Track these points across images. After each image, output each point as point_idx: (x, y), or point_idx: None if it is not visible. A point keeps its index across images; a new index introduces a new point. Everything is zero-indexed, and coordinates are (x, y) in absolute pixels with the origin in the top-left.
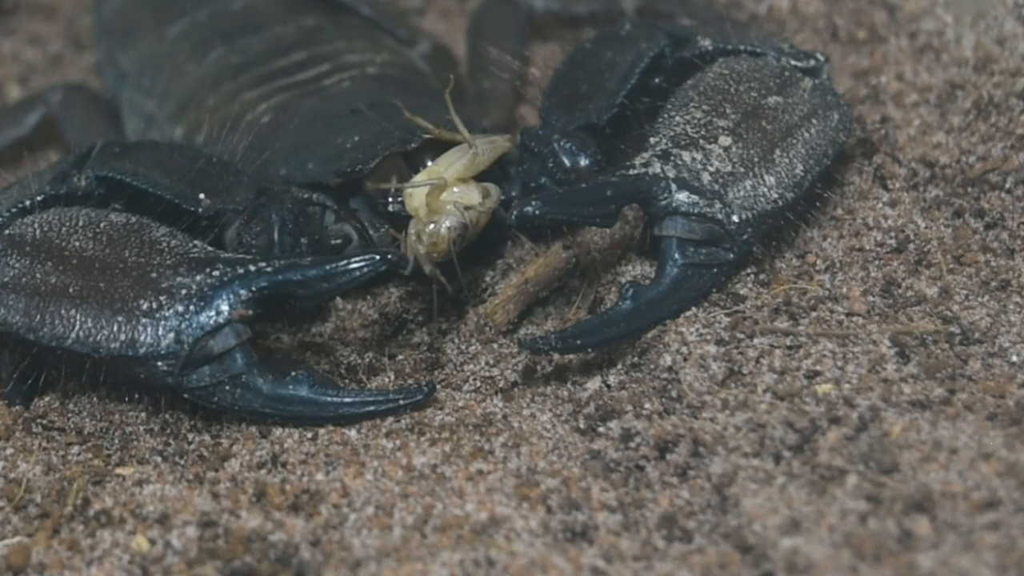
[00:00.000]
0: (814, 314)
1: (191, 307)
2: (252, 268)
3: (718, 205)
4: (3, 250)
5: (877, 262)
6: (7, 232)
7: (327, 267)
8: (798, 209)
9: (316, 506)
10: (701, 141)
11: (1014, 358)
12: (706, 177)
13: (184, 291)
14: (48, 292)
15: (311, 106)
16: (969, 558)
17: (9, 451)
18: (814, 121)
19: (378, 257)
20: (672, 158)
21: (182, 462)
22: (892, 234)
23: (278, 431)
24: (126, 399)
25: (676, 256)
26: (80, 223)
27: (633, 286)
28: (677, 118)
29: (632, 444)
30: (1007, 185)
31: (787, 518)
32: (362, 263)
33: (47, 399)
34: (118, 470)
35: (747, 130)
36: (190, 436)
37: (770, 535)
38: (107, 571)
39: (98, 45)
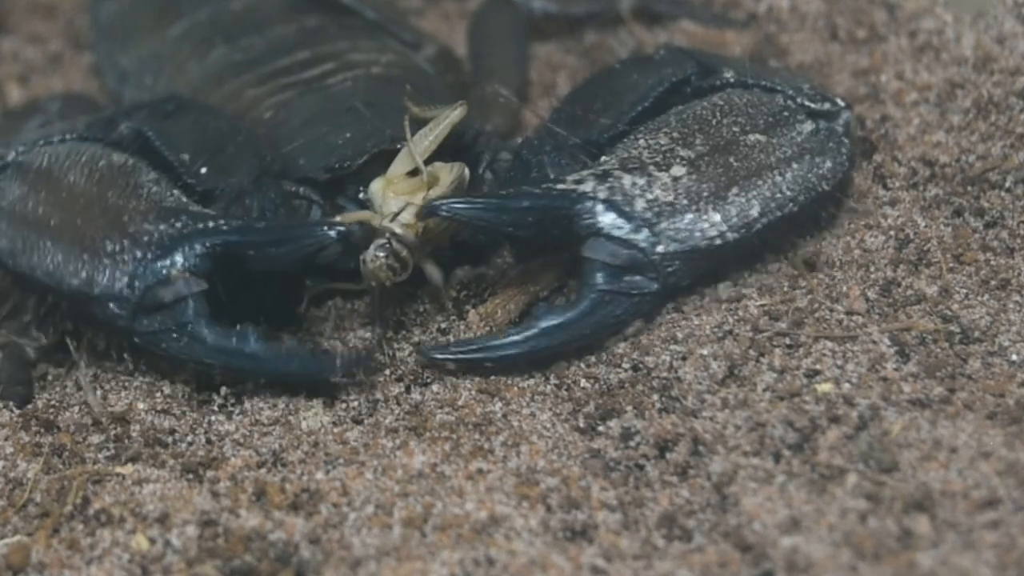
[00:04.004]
0: (814, 313)
1: (148, 255)
2: (211, 224)
3: (644, 233)
4: (10, 175)
5: (877, 261)
6: (20, 159)
7: (279, 232)
8: (744, 250)
9: (316, 505)
10: (651, 167)
11: (1014, 357)
12: (640, 204)
13: (146, 238)
14: (33, 221)
15: (311, 103)
16: (969, 557)
17: (9, 451)
18: (795, 165)
19: (327, 230)
20: (610, 179)
21: (182, 461)
22: (892, 233)
23: (278, 430)
24: (126, 398)
25: (595, 280)
26: (83, 158)
27: (545, 307)
28: (640, 140)
29: (632, 443)
30: (1007, 184)
31: (787, 517)
32: (312, 233)
33: (46, 398)
34: (118, 469)
35: (708, 163)
36: (190, 435)
37: (770, 534)
38: (107, 570)
39: (96, 47)
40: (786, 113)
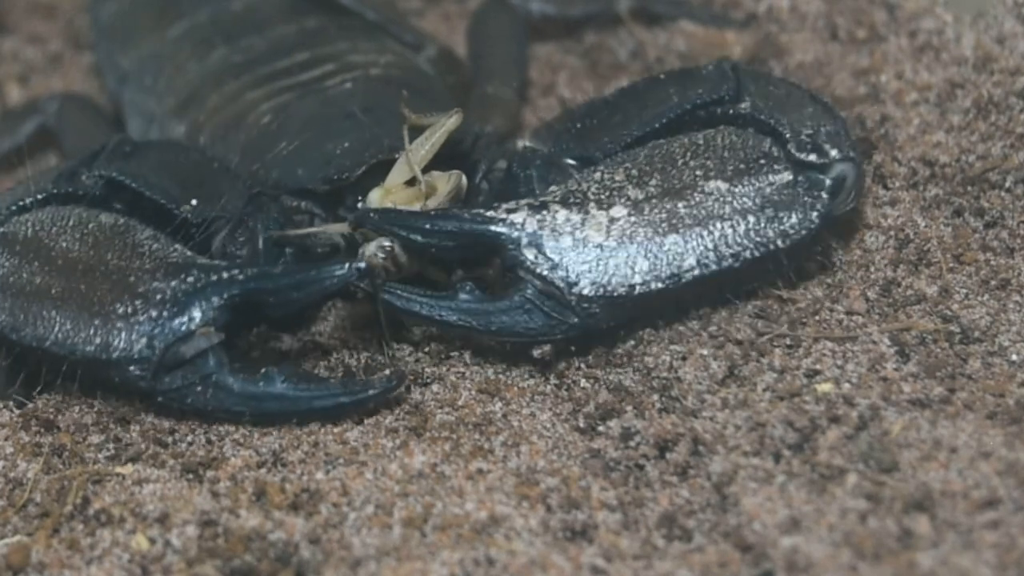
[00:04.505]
0: (813, 313)
1: (164, 313)
2: (225, 276)
3: (562, 273)
4: None
5: (877, 261)
6: (1, 230)
7: (297, 277)
8: (671, 300)
9: (316, 505)
10: (592, 204)
11: (1014, 357)
12: (566, 241)
13: (159, 296)
14: (32, 292)
15: (309, 108)
16: (969, 557)
17: (9, 451)
18: (750, 218)
19: (348, 267)
20: (544, 212)
21: (182, 461)
22: (892, 233)
23: (278, 430)
24: (126, 398)
25: (522, 287)
26: (70, 223)
27: (472, 285)
28: (596, 174)
29: (632, 443)
30: (1007, 184)
31: (787, 517)
32: (332, 274)
33: (46, 398)
34: (118, 469)
35: (654, 207)
36: (190, 435)
37: (770, 534)
38: (107, 570)
39: (97, 48)
40: (763, 161)
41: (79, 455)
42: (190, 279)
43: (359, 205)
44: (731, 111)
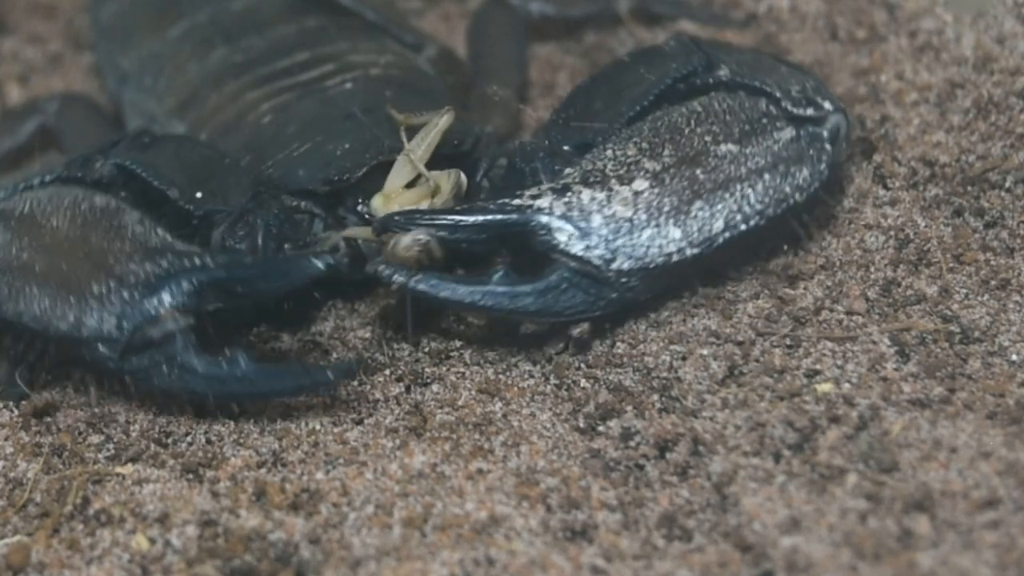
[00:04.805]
0: (814, 313)
1: (136, 295)
2: (197, 262)
3: (599, 251)
4: None
5: (877, 261)
6: (1, 206)
7: (265, 267)
8: (707, 264)
9: (316, 505)
10: (613, 181)
11: (1014, 357)
12: (597, 220)
13: (132, 278)
14: (19, 268)
15: (310, 108)
16: (969, 557)
17: (9, 451)
18: (766, 176)
19: (313, 261)
20: (569, 194)
21: (182, 461)
22: (892, 233)
23: (278, 430)
24: (125, 398)
25: (559, 268)
26: (65, 202)
27: (506, 269)
28: (608, 151)
29: (632, 443)
30: (1007, 184)
31: (787, 517)
32: (299, 267)
33: (46, 398)
34: (118, 469)
35: (673, 176)
36: (190, 435)
37: (770, 534)
38: (107, 570)
39: (97, 48)
40: (765, 120)
41: (79, 455)
42: (163, 263)
43: (359, 208)
44: (710, 80)
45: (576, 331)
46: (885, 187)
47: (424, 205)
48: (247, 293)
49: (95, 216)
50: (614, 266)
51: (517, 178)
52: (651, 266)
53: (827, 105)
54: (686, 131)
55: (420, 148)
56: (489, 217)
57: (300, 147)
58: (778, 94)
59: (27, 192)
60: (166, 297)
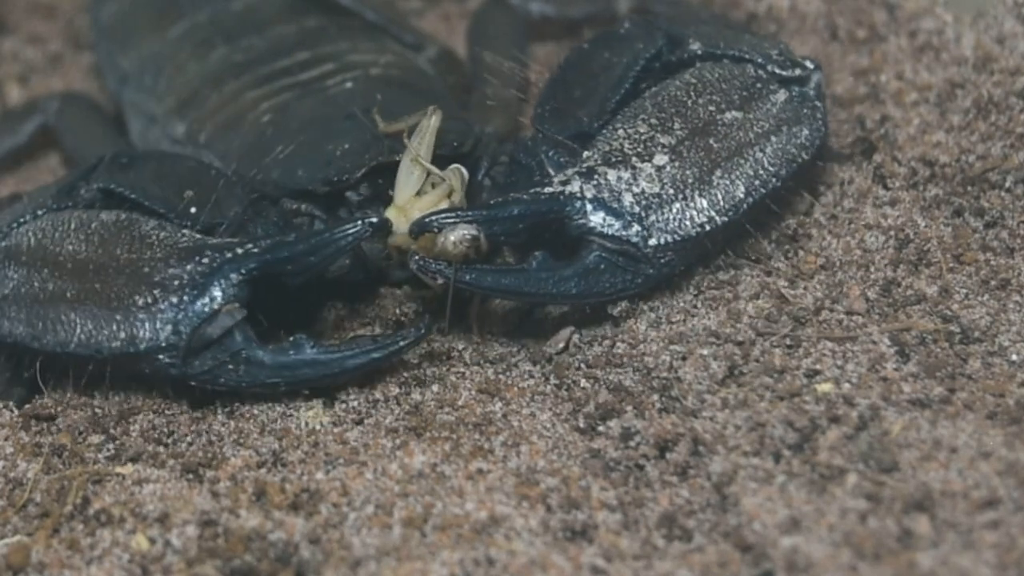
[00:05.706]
0: (814, 313)
1: (185, 297)
2: (240, 251)
3: (635, 228)
4: (1, 262)
5: (877, 261)
6: (3, 244)
7: (313, 241)
8: (733, 231)
9: (316, 505)
10: (634, 159)
11: (1014, 357)
12: (628, 199)
13: (176, 282)
14: (47, 299)
15: (309, 108)
16: (969, 557)
17: (9, 451)
18: (773, 139)
19: (361, 223)
20: (596, 176)
21: (182, 461)
22: (892, 233)
23: (278, 430)
24: (125, 397)
25: (595, 250)
26: (72, 226)
27: (544, 254)
28: (620, 131)
29: (632, 443)
30: (1007, 184)
31: (787, 517)
32: (346, 232)
33: (46, 398)
34: (118, 469)
35: (689, 148)
36: (190, 435)
37: (770, 534)
38: (107, 570)
39: (97, 48)
40: (759, 85)
41: (79, 455)
42: (205, 260)
43: (358, 212)
44: (684, 55)
45: (616, 309)
46: (885, 187)
47: (444, 205)
48: (297, 271)
49: (110, 232)
50: (651, 242)
51: (522, 173)
52: (685, 238)
53: (808, 63)
54: (689, 103)
55: (421, 150)
56: (525, 208)
57: (299, 147)
58: (760, 59)
59: (24, 227)
60: (217, 293)
